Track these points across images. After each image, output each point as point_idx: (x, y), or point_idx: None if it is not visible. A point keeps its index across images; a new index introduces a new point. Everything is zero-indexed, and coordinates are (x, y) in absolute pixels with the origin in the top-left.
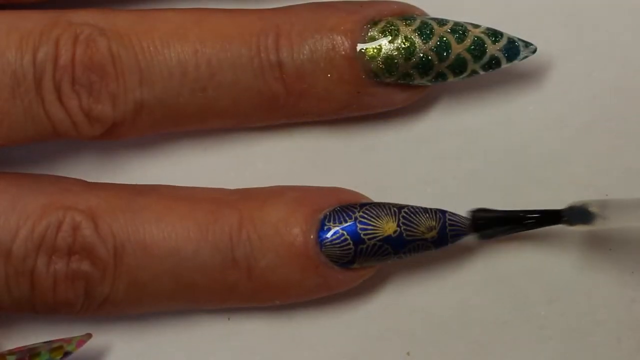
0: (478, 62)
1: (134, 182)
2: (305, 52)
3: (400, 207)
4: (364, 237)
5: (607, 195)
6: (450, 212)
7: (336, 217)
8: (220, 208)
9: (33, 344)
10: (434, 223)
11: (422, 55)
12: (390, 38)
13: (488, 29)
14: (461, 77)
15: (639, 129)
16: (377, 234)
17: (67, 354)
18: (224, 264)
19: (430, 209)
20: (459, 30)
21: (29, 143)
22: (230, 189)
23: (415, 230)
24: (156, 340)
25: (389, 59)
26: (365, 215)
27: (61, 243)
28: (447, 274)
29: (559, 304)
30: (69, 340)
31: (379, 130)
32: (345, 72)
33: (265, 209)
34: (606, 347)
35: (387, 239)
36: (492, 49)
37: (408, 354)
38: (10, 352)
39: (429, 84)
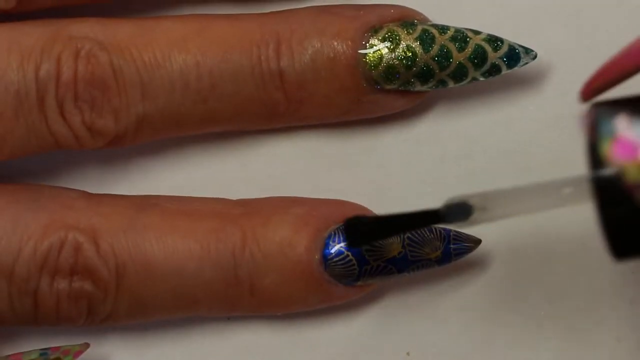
0: (479, 69)
1: (135, 187)
2: (305, 60)
3: None
4: (368, 257)
5: None
6: (454, 231)
7: (341, 235)
8: (223, 225)
9: (29, 352)
10: (438, 243)
11: (423, 64)
12: (391, 46)
13: (489, 35)
14: (461, 83)
15: None
16: (382, 255)
17: None
18: (226, 282)
19: (435, 229)
20: (460, 38)
21: (31, 155)
22: (234, 200)
23: (420, 252)
24: (156, 340)
25: (390, 68)
26: None
27: (63, 263)
28: (447, 274)
29: (559, 304)
30: (66, 351)
31: (379, 131)
32: (346, 80)
33: (270, 226)
34: (606, 347)
35: (392, 260)
36: (493, 56)
37: (408, 354)
38: None
39: (429, 90)
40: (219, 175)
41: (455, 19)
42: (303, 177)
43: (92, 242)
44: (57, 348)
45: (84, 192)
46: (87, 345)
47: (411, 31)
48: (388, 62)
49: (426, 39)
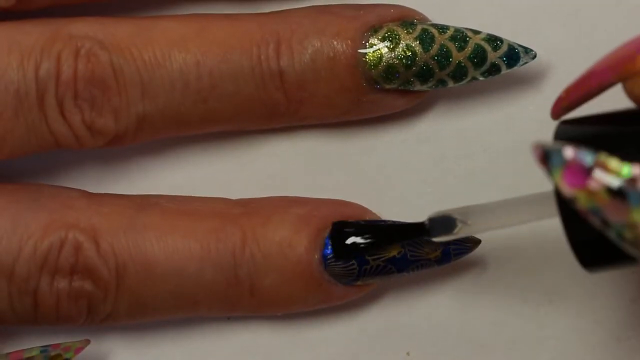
0: (478, 69)
1: (135, 187)
2: (305, 60)
3: None
4: (368, 257)
5: None
6: None
7: None
8: (224, 225)
9: (29, 349)
10: (437, 243)
11: (422, 64)
12: (391, 46)
13: (488, 35)
14: (461, 83)
15: None
16: (382, 255)
17: None
18: (226, 282)
19: None
20: (460, 37)
21: (30, 154)
22: (233, 200)
23: (419, 251)
24: (156, 340)
25: (389, 68)
26: None
27: (63, 263)
28: (447, 274)
29: (559, 304)
30: (67, 348)
31: (379, 130)
32: (346, 79)
33: (269, 226)
34: (606, 347)
35: (391, 260)
36: (493, 56)
37: (408, 354)
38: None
39: (429, 89)
40: (219, 175)
41: (455, 19)
42: (303, 177)
43: (92, 242)
44: (58, 345)
45: (84, 191)
46: (87, 342)
47: (411, 31)
48: (388, 61)
49: (426, 39)
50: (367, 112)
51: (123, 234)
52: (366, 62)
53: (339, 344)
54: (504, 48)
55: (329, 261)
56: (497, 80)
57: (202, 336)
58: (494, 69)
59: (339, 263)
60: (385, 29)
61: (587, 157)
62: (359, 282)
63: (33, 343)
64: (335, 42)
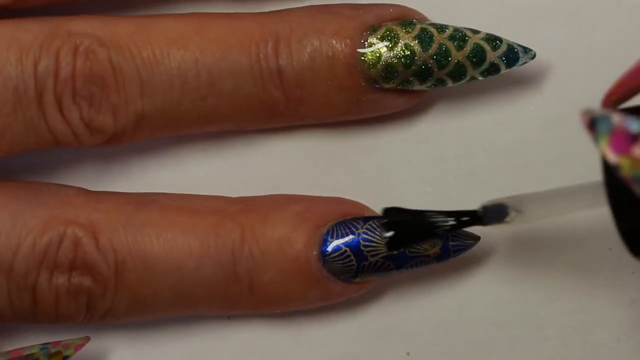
0: (477, 68)
1: (134, 185)
2: (304, 59)
3: None
4: (366, 254)
5: None
6: None
7: (339, 232)
8: (222, 222)
9: (30, 347)
10: (437, 240)
11: (421, 63)
12: (390, 45)
13: (487, 34)
14: (460, 82)
15: None
16: (380, 251)
17: (65, 358)
18: (225, 279)
19: None
20: (459, 37)
21: (29, 152)
22: (232, 198)
23: (418, 247)
24: (156, 340)
25: (388, 67)
26: (368, 232)
27: (62, 259)
28: (447, 274)
29: (559, 304)
30: (67, 345)
31: (379, 130)
32: (345, 79)
33: (268, 222)
34: (606, 347)
35: (390, 256)
36: (492, 55)
37: (408, 354)
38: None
39: (428, 89)
40: (218, 174)
41: (454, 18)
42: (302, 177)
43: (91, 237)
44: (58, 342)
45: (83, 189)
46: (87, 339)
47: (410, 30)
48: (387, 60)
49: (425, 38)
50: (367, 112)
51: (122, 230)
52: (365, 61)
53: (339, 343)
54: (503, 48)
55: (327, 258)
56: (496, 80)
57: (202, 335)
58: (493, 69)
59: (338, 259)
60: (384, 29)
61: (633, 124)
62: (357, 279)
63: (33, 341)
64: (334, 42)
